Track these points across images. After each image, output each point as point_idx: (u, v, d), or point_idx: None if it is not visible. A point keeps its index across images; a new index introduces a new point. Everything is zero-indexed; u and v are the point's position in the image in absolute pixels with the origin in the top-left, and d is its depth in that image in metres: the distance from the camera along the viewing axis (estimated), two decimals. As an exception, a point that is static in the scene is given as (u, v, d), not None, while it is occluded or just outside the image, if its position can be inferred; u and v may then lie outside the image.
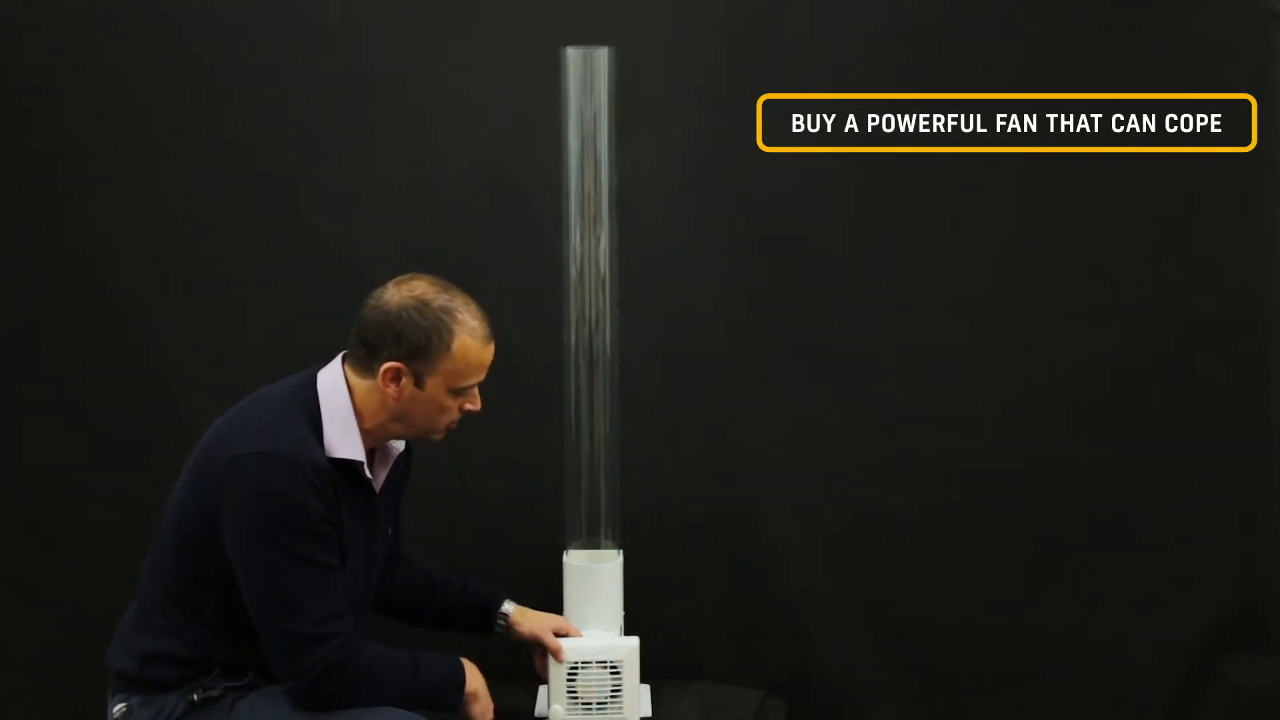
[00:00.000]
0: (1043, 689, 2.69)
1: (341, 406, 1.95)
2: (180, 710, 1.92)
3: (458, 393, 1.97)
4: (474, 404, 2.02)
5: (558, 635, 2.26)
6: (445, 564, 2.30)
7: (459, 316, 1.94)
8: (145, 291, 2.65)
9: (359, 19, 2.62)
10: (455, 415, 2.01)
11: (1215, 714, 2.67)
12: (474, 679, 2.05)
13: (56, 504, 2.66)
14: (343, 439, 1.93)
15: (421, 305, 1.93)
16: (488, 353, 1.98)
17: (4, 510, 2.67)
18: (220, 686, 1.93)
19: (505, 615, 2.25)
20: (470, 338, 1.94)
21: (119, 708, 1.95)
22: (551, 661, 2.24)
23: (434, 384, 1.94)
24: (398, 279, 1.98)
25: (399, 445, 2.11)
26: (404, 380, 1.94)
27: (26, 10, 2.61)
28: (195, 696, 1.92)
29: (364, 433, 1.96)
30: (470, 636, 2.26)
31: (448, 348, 1.93)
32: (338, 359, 2.01)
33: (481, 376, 1.99)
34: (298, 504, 1.83)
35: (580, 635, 2.29)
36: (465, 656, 2.07)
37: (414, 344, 1.92)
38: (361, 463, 1.95)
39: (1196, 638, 2.68)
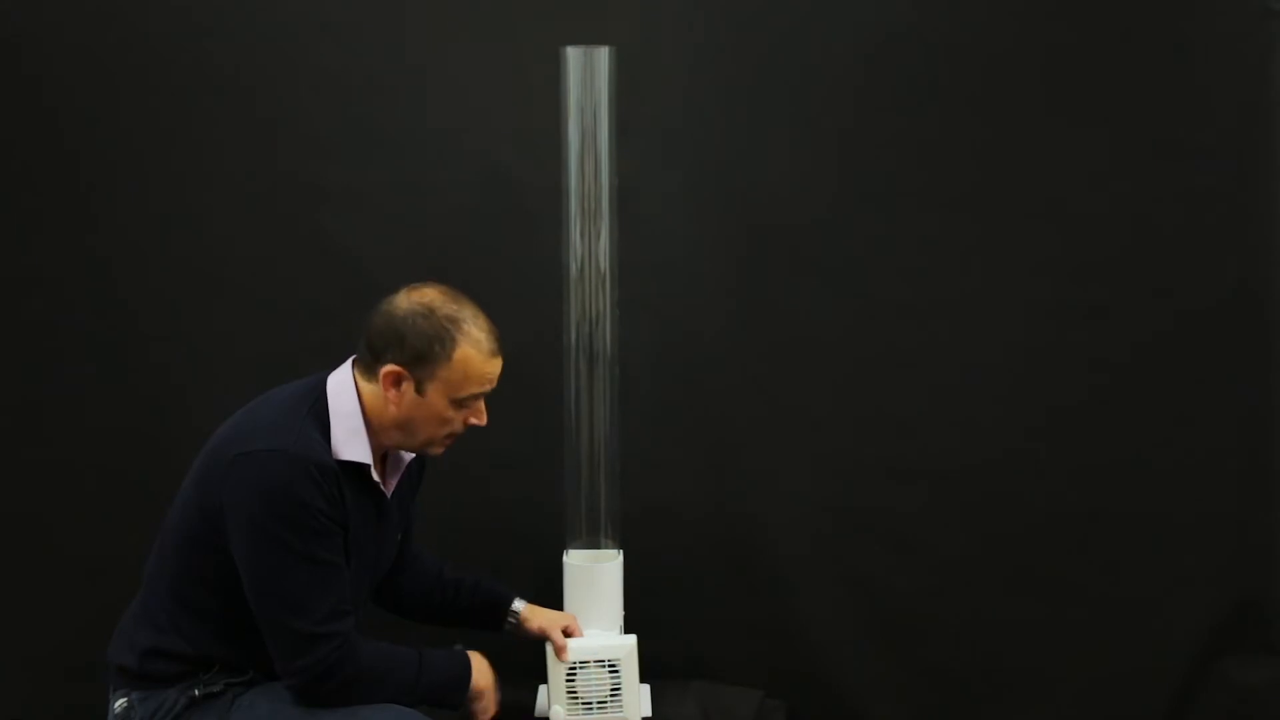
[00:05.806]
0: (1042, 689, 2.68)
1: (350, 409, 1.94)
2: (181, 705, 1.92)
3: (460, 404, 1.95)
4: (479, 418, 1.99)
5: (566, 634, 2.26)
6: (454, 563, 2.31)
7: (464, 327, 1.93)
8: (150, 291, 2.65)
9: (359, 19, 2.62)
10: (458, 428, 1.98)
11: (1215, 714, 2.67)
12: (481, 677, 2.05)
13: (60, 502, 2.66)
14: (350, 441, 1.93)
15: (428, 312, 1.92)
16: (492, 365, 1.96)
17: (7, 508, 2.68)
18: (221, 682, 1.94)
19: (515, 613, 2.26)
20: (473, 349, 1.93)
21: (120, 703, 1.96)
22: (551, 661, 2.25)
23: (434, 392, 1.93)
24: (410, 286, 1.97)
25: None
26: (404, 386, 1.93)
27: (35, 12, 2.62)
28: (196, 692, 1.92)
29: (374, 437, 1.96)
30: (481, 634, 2.26)
31: (449, 356, 1.92)
32: (348, 363, 2.00)
33: (484, 388, 1.97)
34: (302, 501, 1.83)
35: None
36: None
37: (416, 350, 1.92)
38: (368, 465, 1.94)
39: (1196, 638, 2.68)
